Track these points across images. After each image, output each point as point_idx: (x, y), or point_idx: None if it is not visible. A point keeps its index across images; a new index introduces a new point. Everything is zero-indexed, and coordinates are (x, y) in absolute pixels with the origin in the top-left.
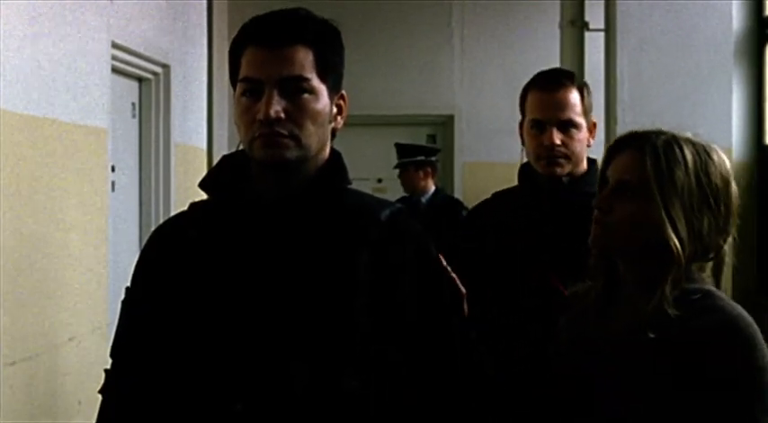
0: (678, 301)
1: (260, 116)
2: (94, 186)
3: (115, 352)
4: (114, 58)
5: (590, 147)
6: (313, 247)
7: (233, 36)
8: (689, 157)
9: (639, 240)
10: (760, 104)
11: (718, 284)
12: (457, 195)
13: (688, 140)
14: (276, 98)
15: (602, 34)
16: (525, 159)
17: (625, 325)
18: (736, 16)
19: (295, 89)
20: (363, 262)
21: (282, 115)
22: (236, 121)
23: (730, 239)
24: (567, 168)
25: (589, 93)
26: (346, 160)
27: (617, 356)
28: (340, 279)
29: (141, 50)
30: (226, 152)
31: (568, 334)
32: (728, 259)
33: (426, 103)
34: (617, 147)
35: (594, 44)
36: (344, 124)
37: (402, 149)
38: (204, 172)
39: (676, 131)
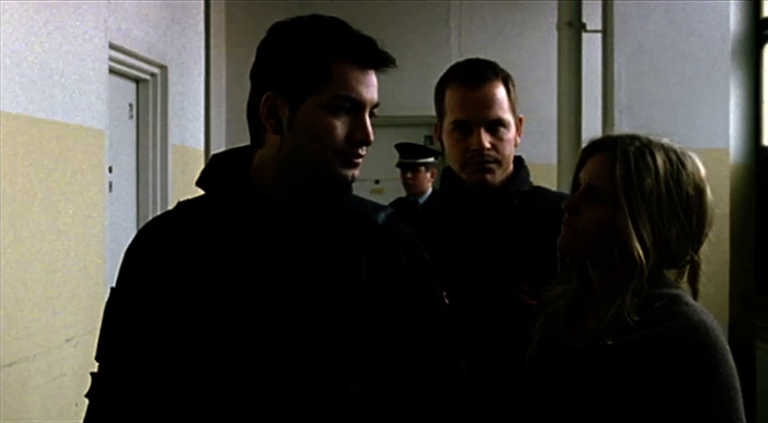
0: (641, 308)
1: (357, 138)
2: (92, 187)
3: (102, 355)
4: (111, 59)
5: (517, 146)
6: (317, 248)
7: (230, 36)
8: (660, 164)
9: (605, 246)
10: (757, 106)
11: (695, 291)
12: None
13: (662, 147)
14: (368, 121)
15: (599, 36)
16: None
17: (588, 330)
18: (733, 18)
19: (371, 113)
20: (364, 264)
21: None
22: (310, 131)
23: (706, 246)
24: (499, 174)
25: (513, 84)
26: None
27: (578, 362)
28: (344, 281)
29: (138, 52)
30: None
31: (541, 337)
32: (723, 265)
33: (424, 104)
34: (590, 150)
35: (592, 46)
36: None
37: (412, 150)
38: None
39: (652, 137)
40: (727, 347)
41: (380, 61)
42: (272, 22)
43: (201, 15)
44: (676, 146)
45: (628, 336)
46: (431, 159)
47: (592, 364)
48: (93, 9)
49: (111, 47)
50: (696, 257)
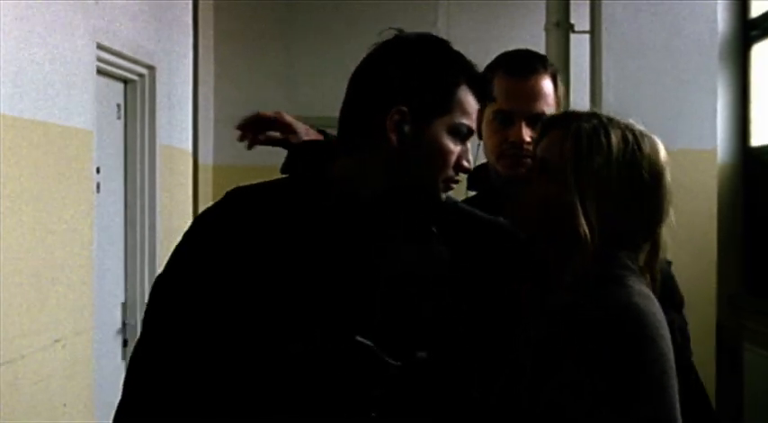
0: (577, 288)
1: (467, 165)
2: (79, 188)
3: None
4: (99, 59)
5: None
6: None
7: (218, 37)
8: (614, 144)
9: (552, 221)
10: (745, 107)
11: (652, 273)
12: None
13: (619, 127)
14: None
15: (587, 36)
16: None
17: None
18: (721, 18)
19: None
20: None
21: None
22: (436, 153)
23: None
24: None
25: (561, 80)
26: None
27: (528, 341)
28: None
29: (126, 52)
30: (211, 153)
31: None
32: (711, 265)
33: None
34: (548, 125)
35: (580, 46)
36: (332, 126)
37: None
38: (190, 174)
39: (616, 117)
40: (660, 333)
41: (491, 97)
42: (261, 24)
43: (190, 16)
44: (638, 127)
45: (563, 316)
46: None
47: (534, 345)
48: (81, 9)
49: (99, 47)
50: (658, 237)
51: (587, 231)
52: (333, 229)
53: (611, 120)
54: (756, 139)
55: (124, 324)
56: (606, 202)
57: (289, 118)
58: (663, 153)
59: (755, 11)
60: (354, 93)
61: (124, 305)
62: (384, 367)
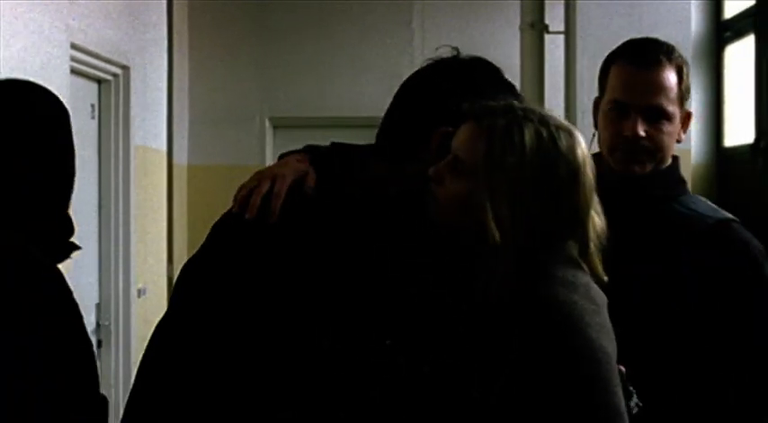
0: (499, 286)
1: None
2: None
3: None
4: (73, 59)
5: (680, 142)
6: None
7: (192, 37)
8: (528, 141)
9: (462, 222)
10: (719, 107)
11: (590, 268)
12: None
13: (534, 122)
14: None
15: (562, 37)
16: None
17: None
18: (694, 20)
19: None
20: None
21: None
22: None
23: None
24: (649, 168)
25: (688, 74)
26: None
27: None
28: None
29: (100, 52)
30: (185, 154)
31: None
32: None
33: (386, 105)
34: (464, 116)
35: (554, 47)
36: (306, 126)
37: None
38: (164, 174)
39: (533, 108)
40: (586, 320)
41: None
42: (235, 24)
43: (164, 16)
44: (555, 121)
45: (491, 315)
46: None
47: (465, 343)
48: (55, 9)
49: (73, 47)
50: (585, 237)
51: (497, 235)
52: (365, 229)
53: (526, 113)
54: (730, 140)
55: (98, 325)
56: (521, 203)
57: (267, 172)
58: (581, 147)
59: (729, 12)
60: (403, 104)
61: (98, 306)
62: (413, 373)
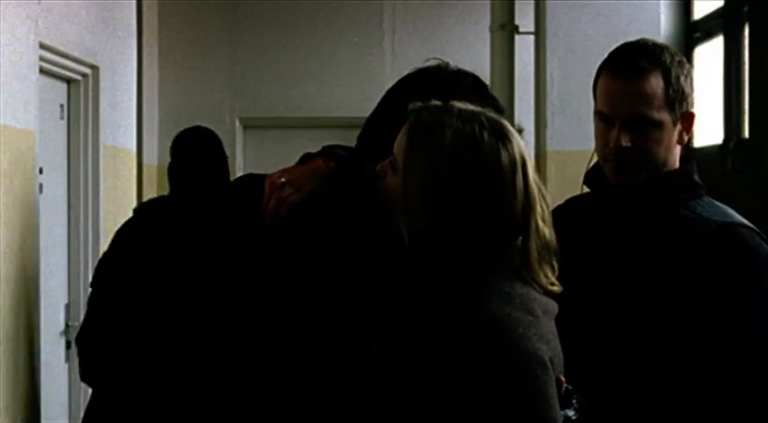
0: (440, 289)
1: None
2: (22, 189)
3: None
4: (42, 58)
5: (682, 143)
6: None
7: (162, 37)
8: (448, 139)
9: (398, 218)
10: None
11: (534, 278)
12: None
13: (464, 122)
14: None
15: (532, 38)
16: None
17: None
18: (664, 20)
19: None
20: None
21: None
22: None
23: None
24: (643, 176)
25: (683, 74)
26: (277, 163)
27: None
28: None
29: (70, 52)
30: (156, 154)
31: None
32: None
33: (357, 106)
34: (408, 113)
35: (524, 47)
36: (277, 127)
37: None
38: (134, 175)
39: (476, 111)
40: (519, 332)
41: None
42: (205, 24)
43: (134, 15)
44: (492, 124)
45: (432, 318)
46: None
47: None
48: (24, 8)
49: (42, 47)
50: (527, 246)
51: (405, 232)
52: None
53: (461, 113)
54: (699, 140)
55: (67, 325)
56: (433, 205)
57: (282, 177)
58: (514, 151)
59: (698, 13)
60: (386, 106)
61: (67, 306)
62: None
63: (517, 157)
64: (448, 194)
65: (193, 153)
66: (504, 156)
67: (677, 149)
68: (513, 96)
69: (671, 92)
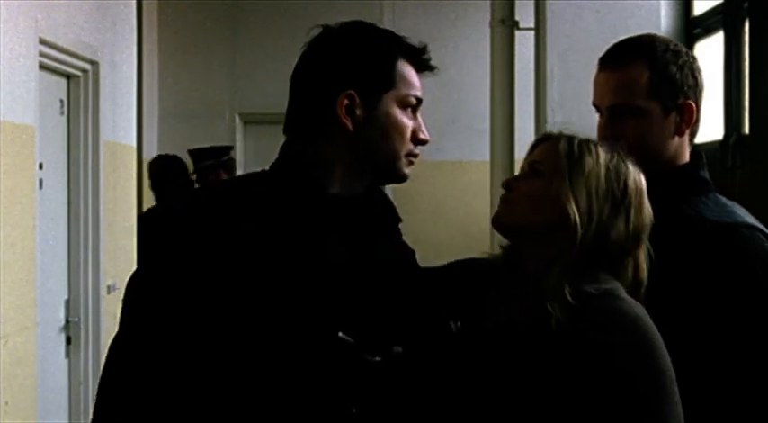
0: (576, 299)
1: (424, 137)
2: (22, 184)
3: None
4: (42, 54)
5: (682, 135)
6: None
7: (162, 32)
8: (602, 152)
9: (539, 215)
10: None
11: (637, 298)
12: (388, 193)
13: (607, 145)
14: None
15: (532, 33)
16: None
17: (525, 317)
18: (664, 16)
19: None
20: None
21: None
22: (387, 128)
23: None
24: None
25: (679, 64)
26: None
27: (522, 349)
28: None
29: (70, 47)
30: (155, 149)
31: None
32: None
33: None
34: (537, 142)
35: (525, 43)
36: (277, 122)
37: (205, 153)
38: (134, 170)
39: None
40: (661, 343)
41: (430, 67)
42: (205, 19)
43: (133, 11)
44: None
45: (562, 334)
46: (225, 158)
47: (533, 352)
48: (24, 4)
49: (42, 42)
50: (636, 255)
51: (576, 217)
52: (308, 224)
53: (599, 141)
54: (699, 137)
55: (67, 321)
56: (593, 198)
57: None
58: (643, 180)
59: (698, 9)
60: (299, 88)
61: (67, 302)
62: (364, 363)
63: (638, 178)
64: (605, 193)
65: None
66: (643, 179)
67: (679, 142)
68: (513, 92)
69: (657, 81)
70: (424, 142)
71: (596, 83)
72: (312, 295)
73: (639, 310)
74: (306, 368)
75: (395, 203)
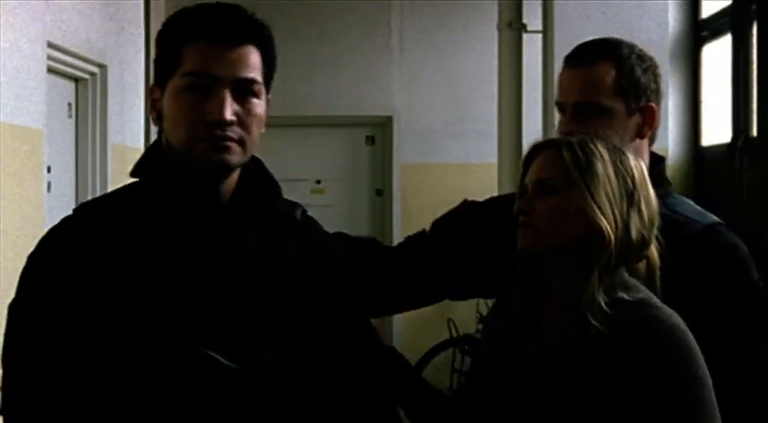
0: (611, 308)
1: (212, 117)
2: (30, 187)
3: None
4: (50, 57)
5: (643, 138)
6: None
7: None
8: (604, 151)
9: (566, 231)
10: (696, 106)
11: (654, 289)
12: (395, 196)
13: (600, 140)
14: (230, 100)
15: (539, 36)
16: None
17: (558, 333)
18: (672, 18)
19: (245, 92)
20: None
21: (235, 119)
22: (170, 116)
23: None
24: None
25: (644, 68)
26: (285, 161)
27: (553, 366)
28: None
29: (77, 50)
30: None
31: (498, 352)
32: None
33: (364, 104)
34: (532, 152)
35: (532, 46)
36: (284, 125)
37: None
38: None
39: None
40: (697, 348)
41: (231, 35)
42: None
43: (141, 14)
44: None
45: (600, 345)
46: None
47: (573, 365)
48: (32, 8)
49: (50, 46)
50: (651, 250)
51: (607, 227)
52: (159, 231)
53: (592, 138)
54: (707, 139)
55: None
56: (613, 202)
57: None
58: (643, 165)
59: (706, 11)
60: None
61: None
62: (224, 372)
63: (639, 165)
64: (619, 191)
65: None
66: (643, 168)
67: (640, 144)
68: (521, 95)
69: (623, 81)
70: (215, 123)
71: (562, 80)
72: (162, 305)
73: (676, 318)
74: (164, 385)
75: (400, 205)
